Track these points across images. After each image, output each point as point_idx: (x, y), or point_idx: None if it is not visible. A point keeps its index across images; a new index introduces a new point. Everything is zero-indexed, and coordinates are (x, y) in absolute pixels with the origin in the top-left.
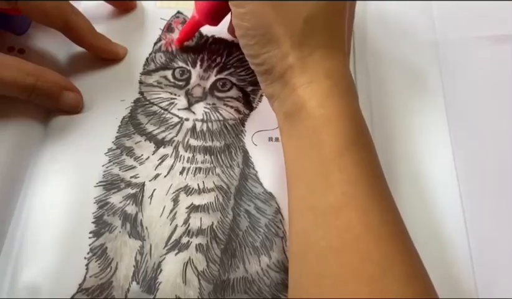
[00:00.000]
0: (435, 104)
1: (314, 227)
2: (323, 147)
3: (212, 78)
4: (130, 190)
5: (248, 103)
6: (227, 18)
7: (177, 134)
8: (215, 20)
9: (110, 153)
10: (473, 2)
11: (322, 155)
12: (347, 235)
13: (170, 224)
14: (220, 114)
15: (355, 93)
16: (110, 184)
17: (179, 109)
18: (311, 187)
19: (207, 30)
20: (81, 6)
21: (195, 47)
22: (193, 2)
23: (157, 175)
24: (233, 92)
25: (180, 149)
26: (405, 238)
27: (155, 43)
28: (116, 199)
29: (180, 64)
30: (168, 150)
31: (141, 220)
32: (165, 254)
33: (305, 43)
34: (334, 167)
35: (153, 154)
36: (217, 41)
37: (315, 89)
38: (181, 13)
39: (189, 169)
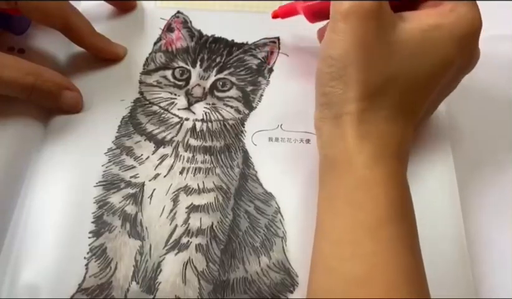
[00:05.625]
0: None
1: (334, 294)
2: (360, 211)
3: (212, 78)
4: (130, 190)
5: (248, 103)
6: (322, 23)
7: (177, 134)
8: (313, 19)
9: (110, 153)
10: None
11: (357, 220)
12: None
13: (170, 224)
14: (220, 114)
15: (406, 159)
16: (110, 183)
17: (178, 109)
18: (338, 249)
19: (210, 31)
20: (81, 6)
21: (195, 47)
22: (193, 2)
23: (157, 175)
24: (233, 92)
25: (180, 149)
26: None
27: (155, 43)
28: (115, 198)
29: (180, 64)
30: (168, 150)
31: (141, 220)
32: (165, 254)
33: (375, 99)
34: (367, 237)
35: (153, 154)
36: (217, 41)
37: (365, 147)
38: (181, 13)
39: (188, 169)
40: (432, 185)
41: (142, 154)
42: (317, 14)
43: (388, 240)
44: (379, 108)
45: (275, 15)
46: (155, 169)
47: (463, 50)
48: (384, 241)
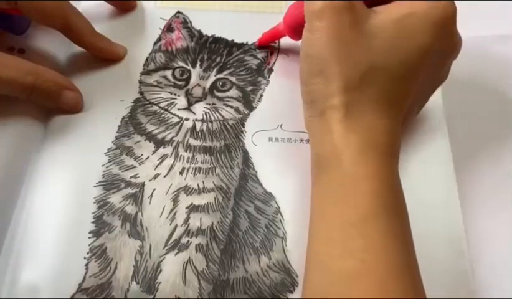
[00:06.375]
0: (433, 105)
1: (327, 292)
2: (348, 208)
3: (212, 78)
4: (130, 190)
5: (248, 103)
6: None
7: (177, 134)
8: (296, 36)
9: (110, 153)
10: (473, 2)
11: (345, 216)
12: None
13: (170, 224)
14: (220, 114)
15: (396, 153)
16: (110, 183)
17: (178, 109)
18: (328, 247)
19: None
20: (81, 6)
21: (195, 47)
22: (193, 2)
23: (157, 175)
24: (233, 92)
25: (180, 149)
26: None
27: (155, 43)
28: (115, 198)
29: (180, 64)
30: (168, 150)
31: (141, 220)
32: (165, 254)
33: (358, 91)
34: (355, 232)
35: (153, 154)
36: (217, 41)
37: (352, 141)
38: (181, 13)
39: (188, 169)
40: (430, 179)
41: (142, 154)
42: (298, 29)
43: (377, 235)
44: (362, 100)
45: (260, 43)
46: (155, 169)
47: (440, 35)
48: (373, 237)
